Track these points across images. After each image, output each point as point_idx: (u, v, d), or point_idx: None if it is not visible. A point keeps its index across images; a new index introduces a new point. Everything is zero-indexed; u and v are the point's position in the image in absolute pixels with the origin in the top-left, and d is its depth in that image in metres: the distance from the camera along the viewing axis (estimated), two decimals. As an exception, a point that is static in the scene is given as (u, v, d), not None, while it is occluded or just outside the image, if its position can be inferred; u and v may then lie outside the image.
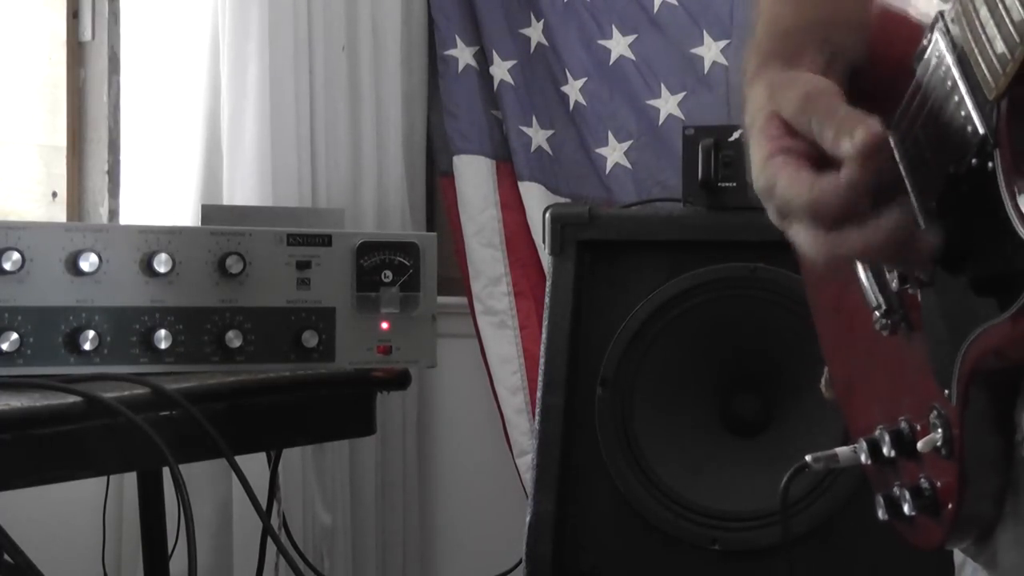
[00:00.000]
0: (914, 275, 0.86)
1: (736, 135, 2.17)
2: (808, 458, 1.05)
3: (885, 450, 0.91)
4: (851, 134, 0.78)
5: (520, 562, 2.22)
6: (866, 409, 0.99)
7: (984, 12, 0.74)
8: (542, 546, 2.17)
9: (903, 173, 0.83)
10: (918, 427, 0.88)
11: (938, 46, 0.80)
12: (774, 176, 0.84)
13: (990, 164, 0.75)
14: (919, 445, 0.86)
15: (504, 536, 2.60)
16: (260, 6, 2.48)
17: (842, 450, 1.00)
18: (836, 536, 2.06)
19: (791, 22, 0.94)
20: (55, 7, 2.53)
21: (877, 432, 0.92)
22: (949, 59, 0.78)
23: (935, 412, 0.85)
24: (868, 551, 2.06)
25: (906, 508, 0.89)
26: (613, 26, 2.77)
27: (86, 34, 2.54)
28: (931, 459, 0.86)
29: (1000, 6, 0.72)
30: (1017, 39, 0.71)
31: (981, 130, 0.75)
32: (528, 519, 2.18)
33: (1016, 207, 0.73)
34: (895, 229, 0.79)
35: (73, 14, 2.54)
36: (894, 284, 0.89)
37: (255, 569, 1.95)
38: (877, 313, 0.90)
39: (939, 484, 0.87)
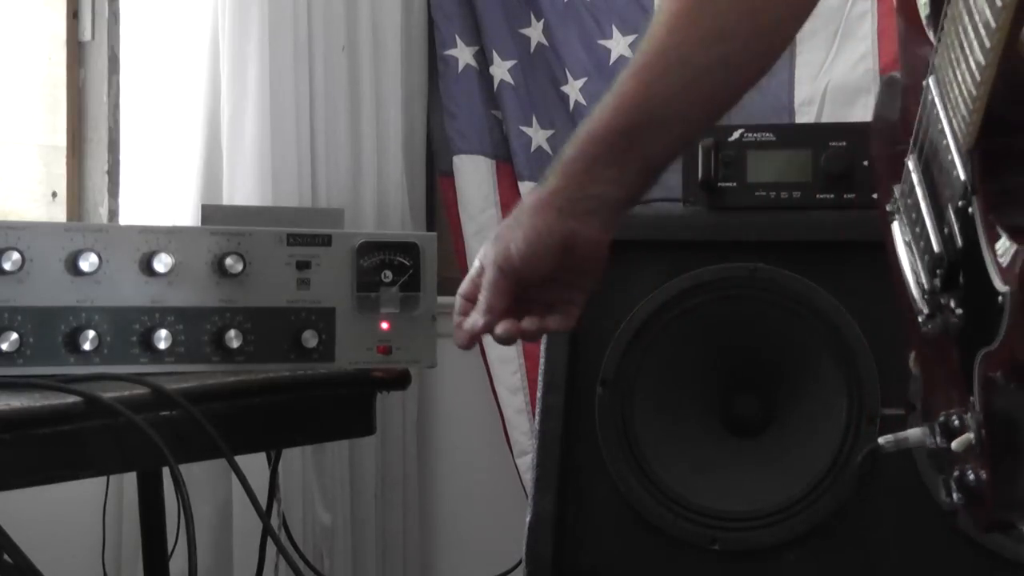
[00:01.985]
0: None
1: (736, 135, 2.17)
2: (881, 440, 1.08)
3: (939, 440, 0.94)
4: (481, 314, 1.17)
5: (520, 562, 2.21)
6: (932, 390, 1.02)
7: (950, 73, 0.79)
8: (542, 546, 2.17)
9: (920, 200, 0.87)
10: (966, 422, 0.91)
11: (930, 88, 0.85)
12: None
13: (970, 209, 0.79)
14: (954, 444, 0.89)
15: (504, 536, 2.60)
16: (260, 6, 2.48)
17: (913, 432, 1.03)
18: (836, 536, 2.06)
19: (599, 126, 1.06)
20: (55, 7, 2.53)
21: (941, 419, 0.95)
22: (938, 103, 0.83)
23: (970, 413, 0.87)
24: (868, 551, 2.06)
25: (954, 496, 0.92)
26: (613, 26, 2.77)
27: (86, 34, 2.54)
28: (971, 453, 0.89)
29: (959, 74, 0.77)
30: (971, 106, 0.76)
31: (963, 176, 0.79)
32: (528, 519, 2.18)
33: (992, 251, 0.76)
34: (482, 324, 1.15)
35: (73, 14, 2.54)
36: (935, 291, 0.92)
37: (255, 569, 1.95)
38: (920, 318, 0.94)
39: (979, 475, 0.89)
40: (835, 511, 2.06)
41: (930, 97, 0.84)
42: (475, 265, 1.16)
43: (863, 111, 2.52)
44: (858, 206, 2.05)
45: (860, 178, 2.07)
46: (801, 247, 2.08)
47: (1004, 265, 0.75)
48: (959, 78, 0.77)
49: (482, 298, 1.13)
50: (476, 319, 1.14)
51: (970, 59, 0.75)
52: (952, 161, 0.80)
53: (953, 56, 0.78)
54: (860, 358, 2.06)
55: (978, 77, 0.74)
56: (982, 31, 0.72)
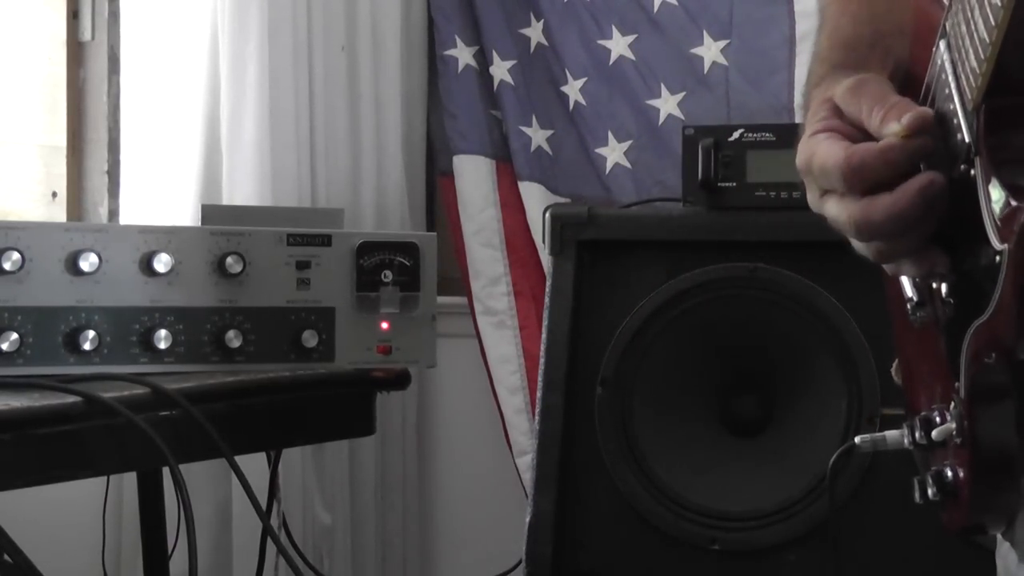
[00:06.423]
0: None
1: (736, 135, 2.17)
2: (857, 440, 1.07)
3: (917, 436, 0.93)
4: (900, 116, 0.82)
5: (520, 562, 2.22)
6: (916, 395, 1.01)
7: (963, 27, 0.77)
8: (542, 546, 2.17)
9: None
10: (947, 416, 0.90)
11: (941, 52, 0.83)
12: (813, 148, 0.88)
13: (972, 172, 0.78)
14: (934, 434, 0.88)
15: (504, 536, 2.60)
16: (259, 6, 2.48)
17: (891, 433, 1.02)
18: (836, 536, 2.06)
19: (851, 33, 0.98)
20: (55, 7, 2.53)
21: (922, 415, 0.94)
22: (948, 66, 0.81)
23: (953, 403, 0.86)
24: (866, 552, 2.06)
25: (930, 492, 0.91)
26: (613, 26, 2.77)
27: (86, 34, 2.54)
28: (951, 447, 0.88)
29: (972, 23, 0.75)
30: (983, 55, 0.74)
31: (967, 138, 0.78)
32: (528, 519, 2.18)
33: (990, 212, 0.75)
34: (922, 189, 0.81)
35: (73, 14, 2.54)
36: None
37: (255, 569, 1.95)
38: (909, 306, 0.92)
39: (957, 471, 0.88)
40: (835, 511, 2.06)
41: (939, 61, 0.83)
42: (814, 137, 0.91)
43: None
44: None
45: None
46: (801, 247, 2.08)
47: (1002, 221, 0.74)
48: (972, 27, 0.76)
49: (887, 104, 0.86)
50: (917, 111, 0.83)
51: (986, 3, 0.74)
52: (957, 124, 0.79)
53: (967, 4, 0.77)
54: (860, 358, 2.06)
55: (992, 21, 0.73)
56: None
